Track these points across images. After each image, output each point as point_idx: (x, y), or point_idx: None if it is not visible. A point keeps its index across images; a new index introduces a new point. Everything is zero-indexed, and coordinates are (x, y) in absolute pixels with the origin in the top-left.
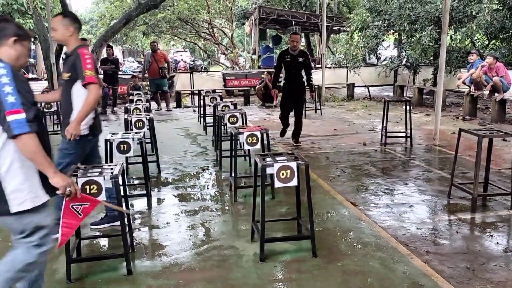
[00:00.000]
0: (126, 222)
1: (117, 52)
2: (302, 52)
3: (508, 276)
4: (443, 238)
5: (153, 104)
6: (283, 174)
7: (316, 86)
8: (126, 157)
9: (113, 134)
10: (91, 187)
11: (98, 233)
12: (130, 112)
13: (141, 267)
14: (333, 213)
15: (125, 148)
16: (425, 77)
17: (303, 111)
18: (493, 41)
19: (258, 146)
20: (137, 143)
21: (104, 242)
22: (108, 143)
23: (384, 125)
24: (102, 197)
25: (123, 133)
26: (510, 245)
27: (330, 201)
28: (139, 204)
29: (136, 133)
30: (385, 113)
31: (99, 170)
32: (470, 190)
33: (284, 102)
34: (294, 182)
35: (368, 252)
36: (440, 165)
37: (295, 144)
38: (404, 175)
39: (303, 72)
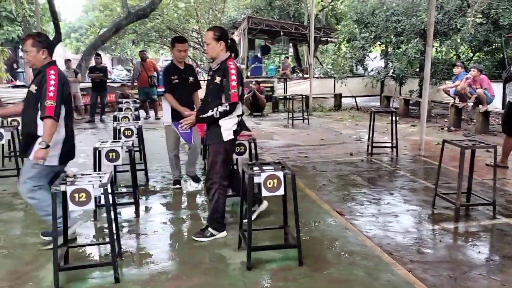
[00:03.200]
0: (114, 230)
1: (106, 60)
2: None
3: (489, 285)
4: (426, 247)
5: (142, 113)
6: (270, 183)
7: (303, 96)
8: (114, 166)
9: (102, 142)
10: (80, 195)
11: (86, 241)
12: (119, 121)
13: (128, 275)
14: (320, 222)
15: (114, 157)
16: (411, 88)
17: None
18: (477, 53)
19: (246, 155)
20: (126, 151)
21: (91, 250)
22: (97, 151)
23: (371, 135)
24: (91, 206)
25: (112, 142)
26: (491, 254)
27: (316, 210)
28: (127, 212)
29: (125, 141)
30: (372, 123)
31: (87, 178)
32: (453, 200)
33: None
34: (281, 191)
35: (354, 261)
36: (425, 175)
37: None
38: (390, 185)
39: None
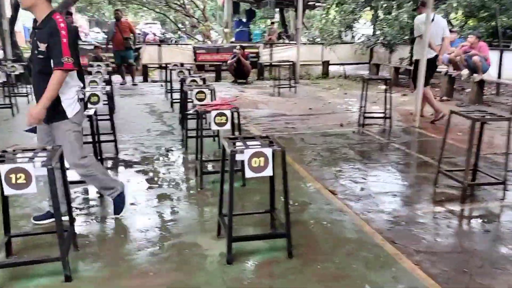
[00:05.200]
0: (66, 217)
1: (83, 22)
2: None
3: (511, 281)
4: (433, 233)
5: (118, 78)
6: (255, 162)
7: (290, 63)
8: None
9: None
10: (17, 177)
11: (36, 229)
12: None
13: (84, 271)
14: (310, 203)
15: None
16: (401, 55)
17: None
18: (470, 20)
19: (228, 126)
20: (87, 121)
21: (43, 239)
22: None
23: (363, 105)
24: (32, 189)
25: None
26: (508, 242)
27: (306, 189)
28: (89, 191)
29: (86, 109)
30: (365, 92)
31: (30, 154)
32: (459, 179)
33: None
34: (268, 172)
35: (351, 251)
36: (421, 149)
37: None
38: (385, 159)
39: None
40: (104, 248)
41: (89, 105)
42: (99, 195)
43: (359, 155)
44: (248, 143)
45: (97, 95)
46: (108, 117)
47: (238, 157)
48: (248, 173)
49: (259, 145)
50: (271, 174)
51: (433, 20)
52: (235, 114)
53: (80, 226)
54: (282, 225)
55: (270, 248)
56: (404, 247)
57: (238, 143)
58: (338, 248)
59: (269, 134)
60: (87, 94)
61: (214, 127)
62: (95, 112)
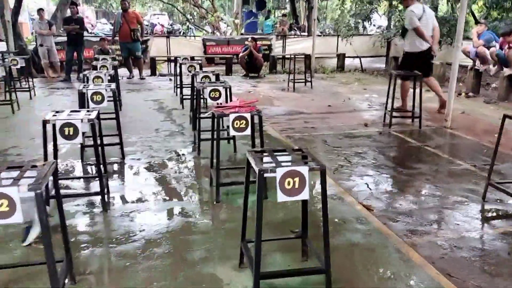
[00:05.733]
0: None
1: (90, 13)
2: None
3: None
4: (493, 263)
5: (125, 71)
6: (289, 183)
7: (305, 56)
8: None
9: (56, 112)
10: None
11: (20, 260)
12: (87, 82)
13: None
14: (344, 222)
15: (71, 133)
16: None
17: None
18: (493, 12)
19: (248, 131)
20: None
21: (32, 270)
22: (48, 125)
23: (390, 103)
24: (18, 218)
25: (70, 112)
26: None
27: (337, 204)
28: (93, 203)
29: (88, 111)
30: (393, 88)
31: (15, 174)
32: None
33: None
34: (304, 195)
35: None
36: (459, 154)
37: None
38: (421, 166)
39: None
40: (106, 282)
41: (92, 105)
42: (102, 210)
43: (391, 161)
44: (279, 158)
45: (101, 94)
46: (113, 115)
47: (268, 175)
48: (281, 197)
49: (290, 161)
50: (307, 198)
51: (423, 11)
52: (256, 117)
53: (78, 251)
54: (317, 255)
55: (303, 282)
56: (463, 282)
57: (266, 159)
58: (385, 284)
59: (288, 134)
60: (90, 92)
61: (232, 132)
62: (98, 115)
